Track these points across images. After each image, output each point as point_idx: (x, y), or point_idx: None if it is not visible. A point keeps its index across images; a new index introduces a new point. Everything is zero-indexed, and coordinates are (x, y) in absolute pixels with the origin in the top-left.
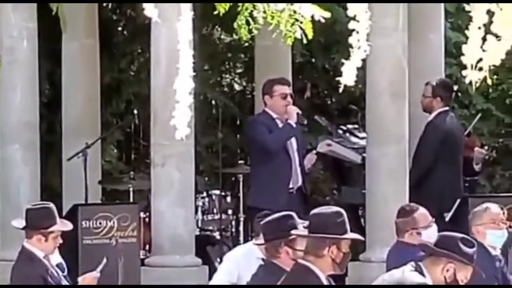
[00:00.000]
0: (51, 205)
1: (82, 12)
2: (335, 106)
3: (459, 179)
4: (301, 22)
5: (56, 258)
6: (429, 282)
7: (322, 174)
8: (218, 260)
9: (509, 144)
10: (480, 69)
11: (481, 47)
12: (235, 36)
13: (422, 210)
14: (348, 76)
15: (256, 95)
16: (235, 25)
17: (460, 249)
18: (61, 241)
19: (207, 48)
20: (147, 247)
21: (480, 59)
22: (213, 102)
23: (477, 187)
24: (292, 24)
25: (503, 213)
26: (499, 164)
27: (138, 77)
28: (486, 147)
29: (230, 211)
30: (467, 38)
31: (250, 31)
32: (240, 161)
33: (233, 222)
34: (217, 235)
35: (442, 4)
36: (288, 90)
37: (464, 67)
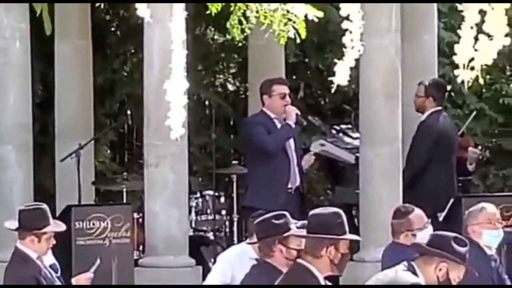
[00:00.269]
0: (44, 206)
1: (75, 13)
2: (329, 106)
3: (453, 179)
4: (294, 22)
5: (49, 259)
6: (422, 281)
7: (315, 174)
8: (212, 260)
9: (503, 144)
10: (472, 68)
11: (473, 46)
12: (228, 36)
13: (417, 212)
14: (341, 76)
15: (250, 95)
16: (228, 25)
17: (453, 248)
18: (54, 242)
19: (200, 48)
20: (140, 247)
21: (472, 59)
22: (207, 102)
23: (471, 187)
24: (285, 24)
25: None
26: (493, 164)
27: (131, 78)
28: (479, 147)
29: (223, 212)
30: (459, 37)
31: (243, 31)
32: (233, 162)
33: (227, 223)
34: (211, 235)
35: (435, 4)
36: (287, 90)
37: (457, 66)
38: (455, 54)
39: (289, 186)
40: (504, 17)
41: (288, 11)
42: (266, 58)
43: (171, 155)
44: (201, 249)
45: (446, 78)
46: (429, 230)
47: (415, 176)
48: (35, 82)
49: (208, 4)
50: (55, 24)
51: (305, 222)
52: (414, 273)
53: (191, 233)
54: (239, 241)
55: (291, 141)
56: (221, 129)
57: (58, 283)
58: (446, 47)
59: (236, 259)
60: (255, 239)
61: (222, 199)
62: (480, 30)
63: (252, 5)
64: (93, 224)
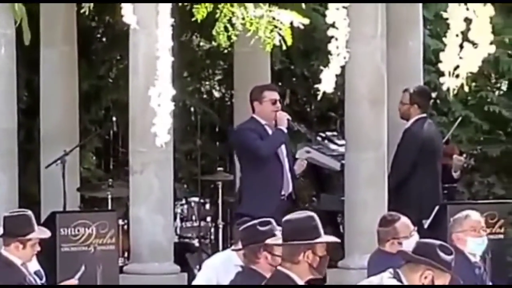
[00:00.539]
0: (29, 212)
1: (61, 19)
2: (314, 113)
3: (438, 186)
4: (280, 29)
5: (34, 265)
6: None
7: (302, 181)
8: (197, 267)
9: (488, 151)
10: (457, 76)
11: (459, 54)
12: (214, 43)
13: (403, 220)
14: (327, 83)
15: (235, 102)
16: (214, 32)
17: (439, 256)
18: (39, 248)
19: (186, 55)
20: (125, 254)
21: (458, 66)
22: (192, 109)
23: (456, 194)
24: (271, 31)
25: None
26: (478, 171)
27: (117, 84)
28: (464, 155)
29: (209, 218)
30: (445, 45)
31: (229, 38)
32: (219, 168)
33: (212, 229)
34: (196, 242)
35: (421, 10)
36: (277, 96)
37: (442, 74)
38: (440, 61)
39: (282, 193)
40: (489, 25)
41: (274, 18)
42: (252, 65)
43: (156, 161)
44: (186, 256)
45: (431, 85)
46: (415, 238)
47: (400, 183)
48: (20, 88)
49: (194, 10)
50: (40, 30)
51: None
52: (400, 280)
53: (176, 240)
54: (224, 247)
55: (283, 147)
56: (206, 136)
57: None
58: (431, 54)
59: (221, 266)
60: (240, 246)
61: (208, 206)
62: (465, 38)
63: (238, 12)
64: (78, 230)
